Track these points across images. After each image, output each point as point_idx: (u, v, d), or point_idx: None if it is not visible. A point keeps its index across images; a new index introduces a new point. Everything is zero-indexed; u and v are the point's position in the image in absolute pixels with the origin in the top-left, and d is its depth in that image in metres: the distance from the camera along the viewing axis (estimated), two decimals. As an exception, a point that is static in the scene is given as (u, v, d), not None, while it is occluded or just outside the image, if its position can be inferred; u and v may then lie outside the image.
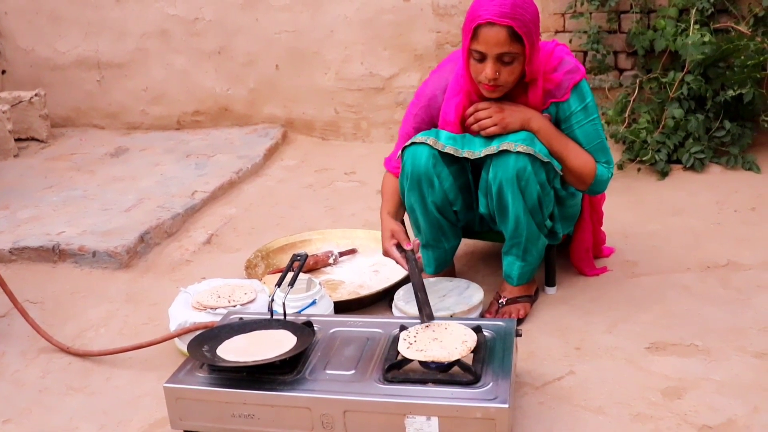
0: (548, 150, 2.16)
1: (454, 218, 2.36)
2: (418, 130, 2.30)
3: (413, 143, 2.23)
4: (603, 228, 2.63)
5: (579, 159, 2.21)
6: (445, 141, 2.19)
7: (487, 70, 2.04)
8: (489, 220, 2.32)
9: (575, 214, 2.41)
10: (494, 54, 2.02)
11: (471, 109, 2.17)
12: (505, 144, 2.09)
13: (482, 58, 2.04)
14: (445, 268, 2.50)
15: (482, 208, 2.27)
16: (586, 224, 2.46)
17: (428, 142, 2.19)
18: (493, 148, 2.11)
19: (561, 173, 2.18)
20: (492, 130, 2.14)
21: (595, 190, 2.29)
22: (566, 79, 2.16)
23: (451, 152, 2.17)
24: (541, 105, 2.18)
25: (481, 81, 2.09)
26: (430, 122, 2.32)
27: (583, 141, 2.22)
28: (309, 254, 2.78)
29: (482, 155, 2.14)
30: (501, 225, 2.25)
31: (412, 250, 2.11)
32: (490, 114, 2.13)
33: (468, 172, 2.31)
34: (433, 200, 2.27)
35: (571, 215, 2.39)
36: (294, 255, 2.07)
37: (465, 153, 2.16)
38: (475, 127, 2.17)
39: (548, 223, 2.26)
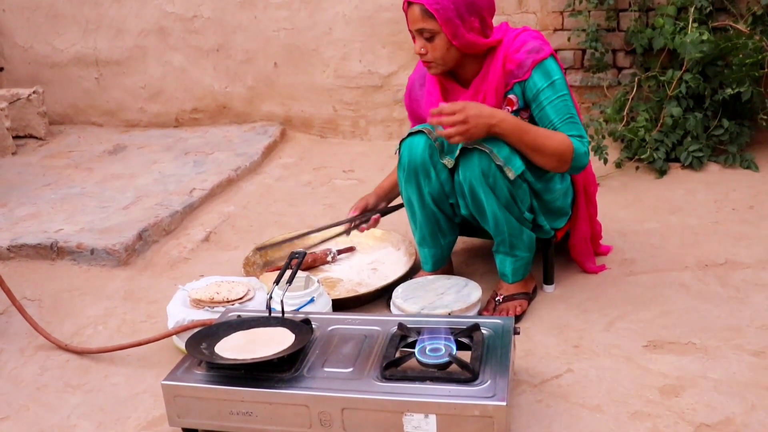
0: (523, 147, 2.12)
1: (451, 211, 2.37)
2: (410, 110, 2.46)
3: (409, 134, 2.28)
4: (601, 227, 2.62)
5: (553, 141, 2.13)
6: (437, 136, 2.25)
7: (415, 46, 2.20)
8: (472, 220, 2.32)
9: (562, 208, 2.38)
10: (414, 30, 2.18)
11: (434, 111, 2.10)
12: (466, 143, 2.14)
13: (413, 36, 2.21)
14: (443, 266, 2.50)
15: (463, 210, 2.30)
16: (582, 215, 2.45)
17: (424, 130, 2.25)
18: (458, 150, 2.18)
19: (514, 178, 2.13)
20: (456, 140, 2.10)
21: (576, 166, 2.20)
22: (527, 58, 2.18)
23: (438, 149, 2.25)
24: (502, 85, 2.21)
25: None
26: (419, 112, 2.41)
27: (553, 117, 2.18)
28: (307, 252, 2.78)
29: (454, 162, 2.21)
30: (483, 224, 2.28)
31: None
32: (454, 123, 2.06)
33: None
34: (430, 191, 2.28)
35: (556, 209, 2.35)
36: (292, 252, 2.07)
37: (444, 160, 2.23)
38: (442, 133, 2.10)
39: (528, 215, 2.25)
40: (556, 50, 4.04)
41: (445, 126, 2.07)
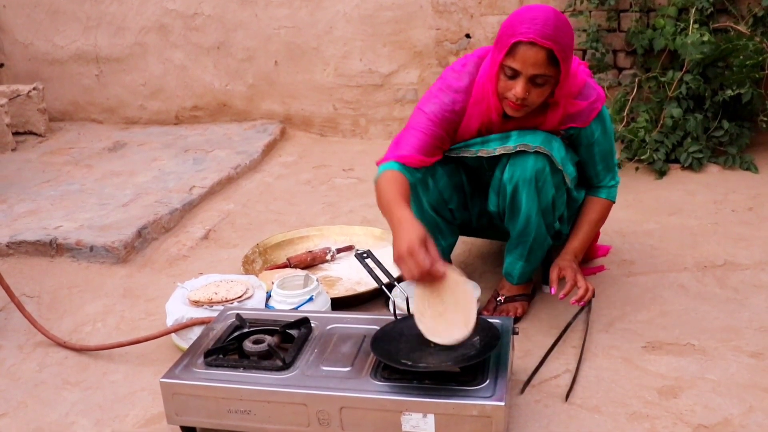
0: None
1: (450, 216, 2.36)
2: (444, 111, 2.10)
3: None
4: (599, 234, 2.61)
5: (601, 220, 2.31)
6: (457, 148, 2.17)
7: (518, 89, 1.94)
8: (497, 218, 2.29)
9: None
10: (529, 74, 1.92)
11: (580, 299, 2.09)
12: (523, 145, 2.06)
13: (515, 75, 1.94)
14: (442, 265, 2.49)
15: (492, 207, 2.25)
16: None
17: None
18: (510, 147, 2.07)
19: (570, 183, 2.17)
20: (590, 296, 2.11)
21: None
22: (590, 108, 2.12)
23: (466, 155, 2.14)
24: (558, 126, 2.13)
25: (508, 98, 1.99)
26: (459, 115, 2.15)
27: (599, 162, 2.24)
28: (306, 251, 2.79)
29: (497, 153, 2.10)
30: (509, 223, 2.23)
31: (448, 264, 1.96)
32: (585, 285, 2.10)
33: (461, 173, 2.30)
34: (429, 201, 2.27)
35: (574, 217, 2.37)
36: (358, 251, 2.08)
37: (480, 152, 2.12)
38: (572, 301, 2.11)
39: (557, 225, 2.25)
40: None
41: (583, 294, 2.09)
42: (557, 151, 2.10)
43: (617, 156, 3.56)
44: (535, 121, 2.11)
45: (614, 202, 2.32)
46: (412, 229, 1.75)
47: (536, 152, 2.05)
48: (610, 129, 2.23)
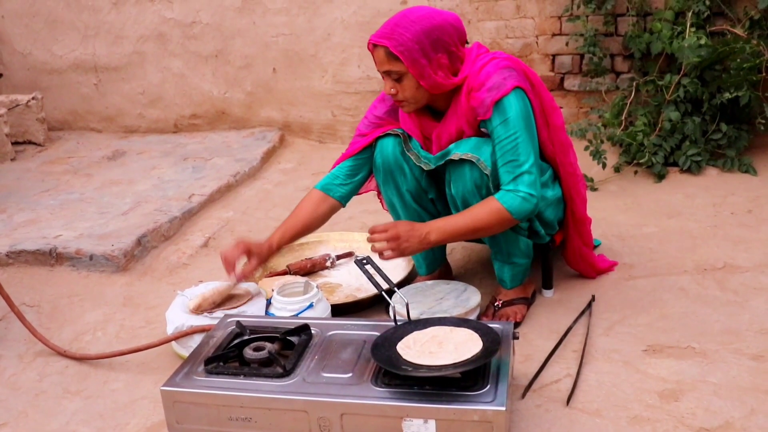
0: (461, 238, 2.14)
1: (433, 208, 2.37)
2: (369, 125, 2.35)
3: (377, 138, 2.30)
4: (598, 231, 2.60)
5: (483, 219, 2.05)
6: (412, 144, 2.26)
7: (385, 86, 2.14)
8: None
9: (556, 216, 2.34)
10: (381, 71, 2.11)
11: (369, 238, 2.10)
12: (453, 154, 2.12)
13: (382, 76, 2.14)
14: (438, 267, 2.50)
15: None
16: (572, 232, 2.42)
17: (397, 132, 2.26)
18: (444, 160, 2.15)
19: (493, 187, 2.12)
20: (390, 255, 2.06)
21: (522, 217, 2.07)
22: (487, 97, 2.07)
23: (413, 158, 2.23)
24: (472, 118, 2.13)
25: None
26: (385, 120, 2.35)
27: (499, 157, 2.08)
28: (305, 257, 2.79)
29: (433, 167, 2.18)
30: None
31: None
32: (384, 240, 2.05)
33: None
34: (408, 188, 2.30)
35: (549, 217, 2.30)
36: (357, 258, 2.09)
37: (422, 163, 2.21)
38: (375, 249, 2.08)
39: (523, 224, 2.24)
40: (555, 55, 4.06)
41: (376, 244, 2.06)
42: (490, 155, 2.10)
43: (616, 159, 3.58)
44: (452, 122, 2.17)
45: (512, 214, 2.03)
46: (258, 242, 2.28)
47: (462, 161, 2.10)
48: (515, 124, 2.05)
